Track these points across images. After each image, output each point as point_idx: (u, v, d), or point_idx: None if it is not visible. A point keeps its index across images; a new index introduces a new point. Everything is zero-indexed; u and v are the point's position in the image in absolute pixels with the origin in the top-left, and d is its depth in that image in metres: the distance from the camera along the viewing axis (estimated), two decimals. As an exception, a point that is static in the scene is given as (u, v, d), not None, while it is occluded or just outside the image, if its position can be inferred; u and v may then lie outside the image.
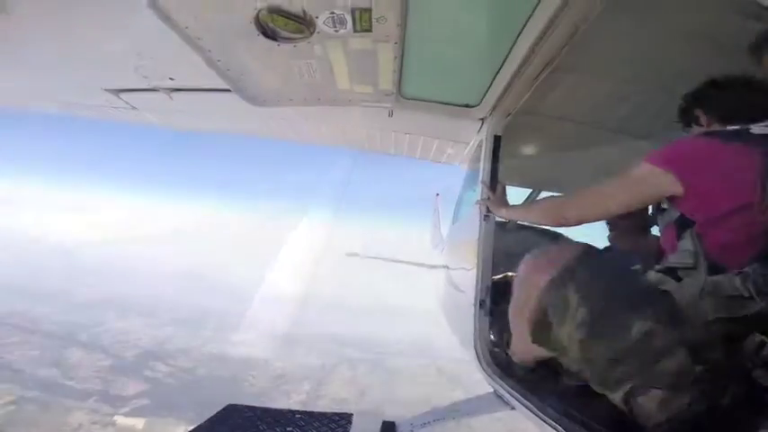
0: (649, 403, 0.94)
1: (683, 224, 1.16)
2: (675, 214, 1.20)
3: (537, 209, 1.59)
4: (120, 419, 32.51)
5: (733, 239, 1.06)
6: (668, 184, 1.14)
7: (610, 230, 2.25)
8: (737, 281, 0.96)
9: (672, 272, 1.10)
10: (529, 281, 1.23)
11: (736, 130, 1.14)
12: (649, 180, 1.18)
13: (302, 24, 1.42)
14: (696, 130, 1.36)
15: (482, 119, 2.20)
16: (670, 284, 1.07)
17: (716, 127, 1.27)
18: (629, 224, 2.10)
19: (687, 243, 1.09)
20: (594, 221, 1.34)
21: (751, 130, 1.10)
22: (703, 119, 1.31)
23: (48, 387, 35.45)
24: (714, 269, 1.02)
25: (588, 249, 1.21)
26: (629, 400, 0.97)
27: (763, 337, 0.93)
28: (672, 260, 1.12)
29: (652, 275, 1.12)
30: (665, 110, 2.20)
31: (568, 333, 1.06)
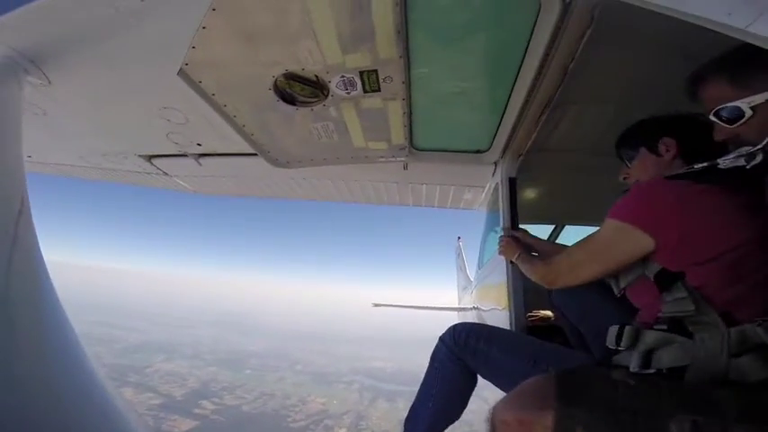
0: None
1: (666, 277, 1.00)
2: (653, 268, 1.03)
3: (536, 270, 1.43)
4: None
5: (735, 287, 0.93)
6: (640, 239, 1.01)
7: None
8: (761, 331, 0.83)
9: (677, 327, 0.94)
10: None
11: (703, 167, 1.00)
12: (620, 239, 1.06)
13: (317, 89, 1.58)
14: (646, 158, 1.26)
15: (495, 162, 2.25)
16: (683, 342, 0.92)
17: (679, 162, 1.16)
18: None
19: (679, 291, 0.96)
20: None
21: (719, 166, 0.95)
22: (671, 150, 1.19)
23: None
24: (726, 322, 0.89)
25: (562, 376, 0.95)
26: None
27: None
28: (667, 311, 0.97)
29: (651, 336, 0.96)
30: None
31: None
